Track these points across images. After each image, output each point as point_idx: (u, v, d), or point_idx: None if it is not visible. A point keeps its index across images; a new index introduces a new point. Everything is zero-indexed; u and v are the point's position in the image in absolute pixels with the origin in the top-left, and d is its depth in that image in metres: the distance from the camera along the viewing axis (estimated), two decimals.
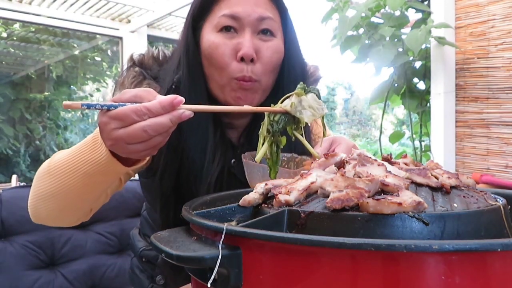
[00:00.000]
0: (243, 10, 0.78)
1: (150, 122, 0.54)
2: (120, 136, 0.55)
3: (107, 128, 0.56)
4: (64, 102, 0.53)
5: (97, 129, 0.63)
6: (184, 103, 0.67)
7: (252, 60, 0.79)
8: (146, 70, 0.88)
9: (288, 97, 0.67)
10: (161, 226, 0.86)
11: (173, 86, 0.82)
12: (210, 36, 0.80)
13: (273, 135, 0.66)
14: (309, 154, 0.69)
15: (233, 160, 0.86)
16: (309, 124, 0.67)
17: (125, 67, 0.90)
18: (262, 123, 0.67)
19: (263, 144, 0.66)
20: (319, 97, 0.67)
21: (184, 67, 0.83)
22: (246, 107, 0.65)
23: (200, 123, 0.82)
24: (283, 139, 0.68)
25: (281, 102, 0.67)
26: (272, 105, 0.67)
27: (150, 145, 0.57)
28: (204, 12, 0.82)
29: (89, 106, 0.54)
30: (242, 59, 0.78)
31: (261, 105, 0.84)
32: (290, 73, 0.85)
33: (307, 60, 0.93)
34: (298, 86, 0.66)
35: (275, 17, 0.82)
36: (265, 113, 0.67)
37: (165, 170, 0.82)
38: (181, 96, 0.77)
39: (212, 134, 0.83)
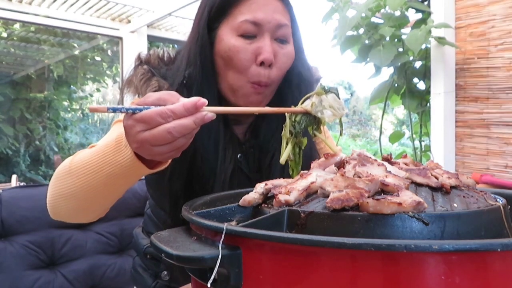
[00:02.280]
0: (264, 17, 0.79)
1: (174, 124, 0.55)
2: (146, 138, 0.56)
3: (133, 131, 0.57)
4: (90, 106, 0.55)
5: (120, 131, 0.65)
6: None
7: (270, 65, 0.81)
8: (154, 69, 0.89)
9: (308, 97, 0.67)
10: (171, 226, 0.87)
11: (184, 81, 0.83)
12: (230, 39, 0.80)
13: (295, 136, 0.67)
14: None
15: (239, 155, 0.88)
16: (329, 123, 0.68)
17: (125, 67, 0.92)
18: (284, 125, 0.68)
19: (286, 146, 0.67)
20: (338, 97, 0.67)
21: (197, 65, 0.84)
22: (267, 108, 0.66)
23: (211, 123, 0.83)
24: (305, 140, 0.69)
25: (302, 103, 0.67)
26: (292, 106, 0.68)
27: (174, 146, 0.58)
28: (222, 13, 0.82)
29: (114, 110, 0.55)
30: (261, 63, 0.80)
31: (266, 106, 0.86)
32: (298, 76, 0.88)
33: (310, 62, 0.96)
34: (318, 86, 0.67)
35: (289, 23, 0.84)
36: (287, 115, 0.67)
37: (174, 170, 0.83)
38: (194, 93, 0.76)
39: (223, 133, 0.85)
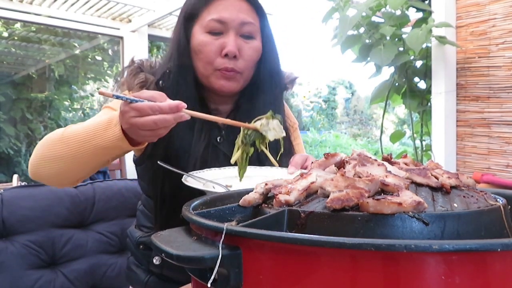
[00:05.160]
0: (229, 16, 0.92)
1: (159, 117, 0.71)
2: (136, 123, 0.72)
3: (127, 116, 0.72)
4: (100, 90, 0.72)
5: (112, 114, 0.81)
6: (174, 89, 0.94)
7: (235, 57, 0.93)
8: (144, 69, 1.02)
9: (259, 119, 0.85)
10: (154, 202, 0.98)
11: (168, 71, 0.97)
12: (199, 36, 0.94)
13: (245, 145, 0.84)
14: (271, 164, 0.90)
15: (218, 138, 1.00)
16: (271, 140, 0.84)
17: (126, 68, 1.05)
18: (238, 135, 0.85)
19: (237, 150, 0.85)
20: (281, 123, 0.86)
21: (175, 59, 0.97)
22: (228, 120, 0.84)
23: (188, 107, 0.90)
24: (251, 150, 0.86)
25: (254, 122, 0.85)
26: (247, 122, 0.84)
27: (155, 134, 0.75)
28: (195, 15, 0.96)
29: (118, 97, 0.72)
30: (226, 56, 0.93)
31: (242, 92, 1.02)
32: (266, 67, 1.01)
33: (292, 57, 1.09)
34: (269, 112, 0.84)
35: (255, 21, 0.96)
36: (242, 128, 0.84)
37: (154, 148, 0.95)
38: (171, 82, 0.97)
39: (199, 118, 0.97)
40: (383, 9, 1.76)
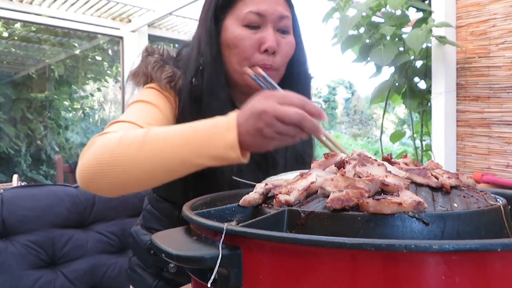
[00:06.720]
0: (267, 8, 0.88)
1: (302, 113, 0.61)
2: (274, 108, 0.61)
3: (269, 100, 0.63)
4: (245, 69, 0.81)
5: (215, 119, 0.67)
6: (207, 86, 0.88)
7: (273, 52, 0.89)
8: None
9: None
10: (177, 218, 0.89)
11: (201, 68, 0.90)
12: (235, 29, 0.89)
13: None
14: None
15: None
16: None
17: (126, 66, 0.98)
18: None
19: None
20: None
21: (207, 54, 0.91)
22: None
23: (223, 109, 0.84)
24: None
25: None
26: None
27: (286, 131, 0.62)
28: (228, 5, 0.91)
29: (266, 80, 0.78)
30: (265, 51, 0.88)
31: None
32: (299, 64, 0.99)
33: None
34: None
35: (290, 15, 0.93)
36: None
37: None
38: (205, 80, 0.91)
39: None
40: (383, 9, 1.76)
